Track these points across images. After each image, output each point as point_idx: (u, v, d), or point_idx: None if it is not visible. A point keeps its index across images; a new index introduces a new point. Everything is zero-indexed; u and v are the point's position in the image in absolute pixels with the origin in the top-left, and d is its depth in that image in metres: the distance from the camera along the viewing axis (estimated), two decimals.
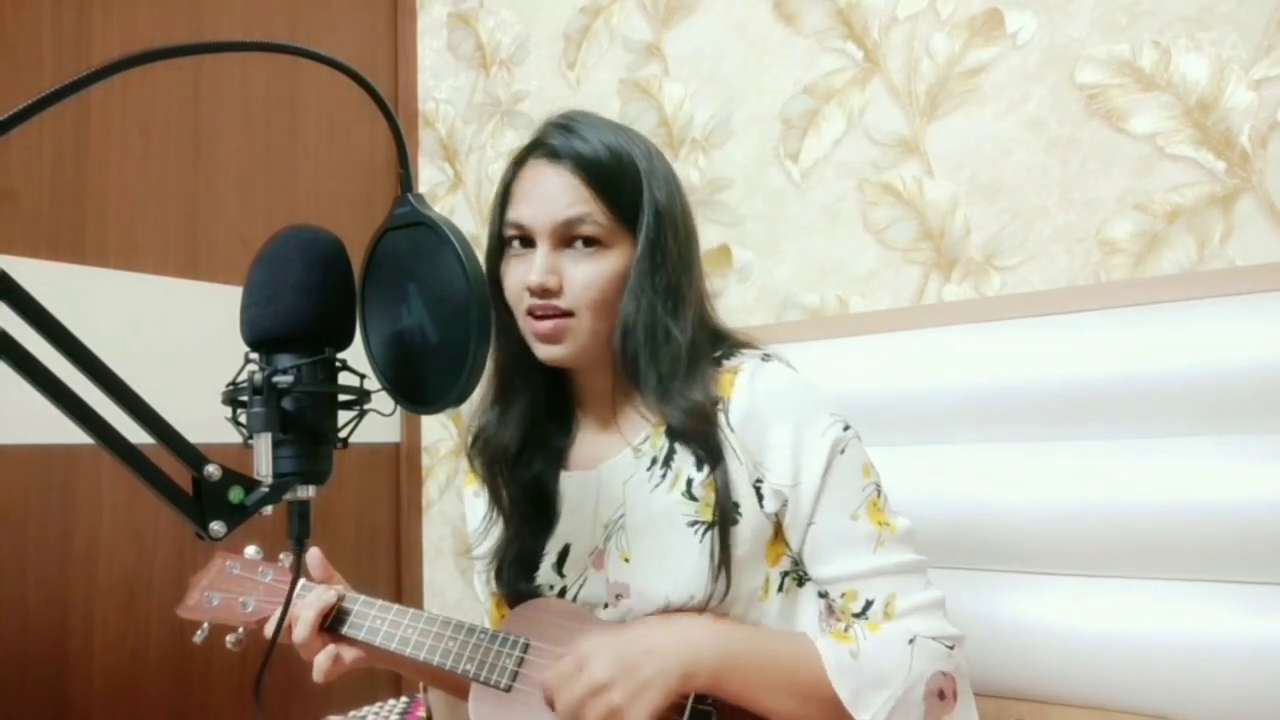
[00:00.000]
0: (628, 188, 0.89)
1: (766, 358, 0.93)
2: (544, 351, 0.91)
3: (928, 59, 1.46)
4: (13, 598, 1.44)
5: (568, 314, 0.88)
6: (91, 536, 1.53)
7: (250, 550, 1.03)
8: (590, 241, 0.88)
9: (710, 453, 0.89)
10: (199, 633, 0.98)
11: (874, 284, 1.51)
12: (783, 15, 1.61)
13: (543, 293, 0.88)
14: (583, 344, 0.90)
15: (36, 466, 1.47)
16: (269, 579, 1.01)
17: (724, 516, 0.87)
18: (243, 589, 1.00)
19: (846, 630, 0.86)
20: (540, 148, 0.91)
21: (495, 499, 0.99)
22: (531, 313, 0.89)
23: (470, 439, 1.01)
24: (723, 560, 0.87)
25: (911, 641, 0.83)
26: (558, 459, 0.99)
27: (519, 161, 0.93)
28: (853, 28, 1.54)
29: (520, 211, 0.90)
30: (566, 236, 0.88)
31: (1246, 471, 1.06)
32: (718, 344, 0.95)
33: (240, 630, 0.98)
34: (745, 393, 0.90)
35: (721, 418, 0.90)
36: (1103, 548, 1.13)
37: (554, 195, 0.88)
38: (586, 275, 0.88)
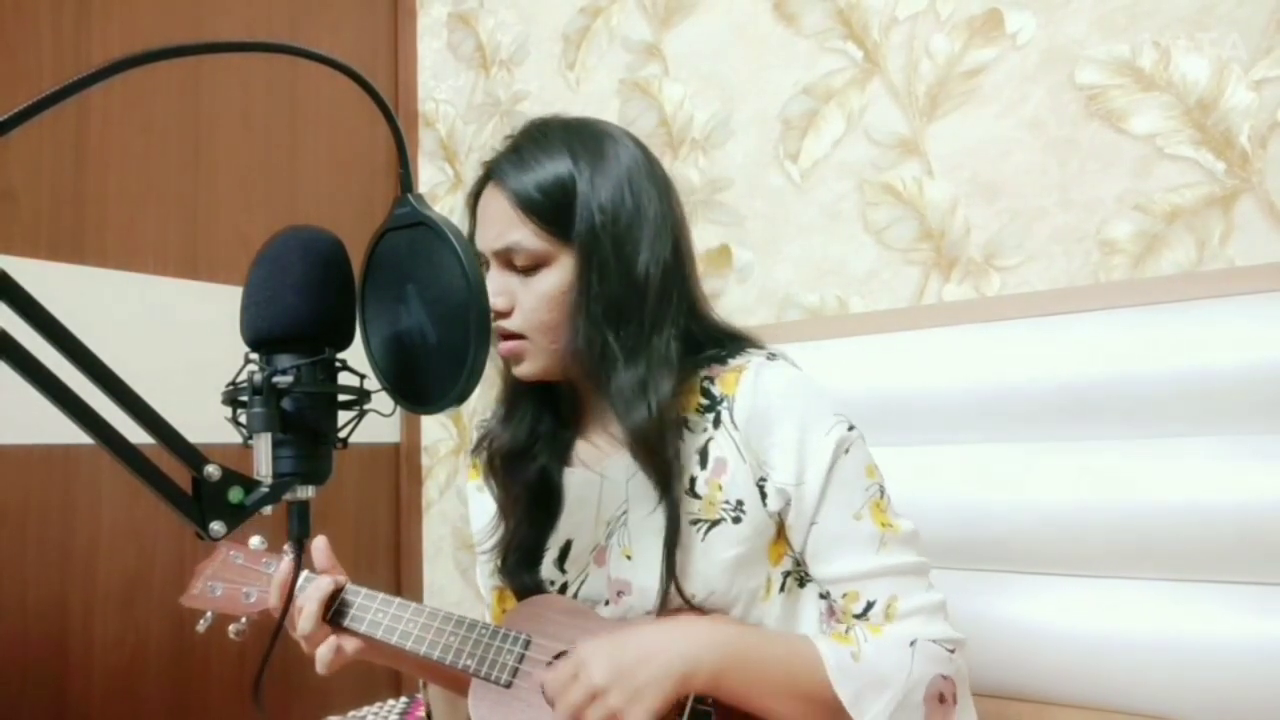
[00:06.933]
0: (562, 206, 0.88)
1: (772, 357, 0.93)
2: (514, 370, 0.93)
3: (928, 59, 1.46)
4: (13, 597, 1.44)
5: (520, 336, 0.90)
6: (91, 536, 1.53)
7: (254, 541, 1.03)
8: (529, 265, 0.89)
9: (660, 478, 0.88)
10: (202, 622, 0.99)
11: (874, 284, 1.51)
12: (783, 15, 1.61)
13: (496, 315, 0.89)
14: (545, 363, 0.91)
15: (36, 466, 1.47)
16: (272, 570, 1.02)
17: (671, 539, 0.87)
18: (246, 579, 1.01)
19: (848, 632, 0.86)
20: (489, 173, 0.94)
21: (500, 494, 1.00)
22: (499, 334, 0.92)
23: (478, 436, 1.02)
24: (669, 572, 0.87)
25: (912, 644, 0.83)
26: (562, 455, 1.00)
27: (482, 181, 0.95)
28: (853, 28, 1.54)
29: (477, 235, 0.94)
30: (508, 261, 0.90)
31: (1246, 471, 1.06)
32: (720, 343, 0.95)
33: (242, 620, 0.99)
34: (749, 391, 0.90)
35: (725, 415, 0.90)
36: (1103, 548, 1.13)
37: (492, 221, 0.91)
38: (530, 299, 0.89)
